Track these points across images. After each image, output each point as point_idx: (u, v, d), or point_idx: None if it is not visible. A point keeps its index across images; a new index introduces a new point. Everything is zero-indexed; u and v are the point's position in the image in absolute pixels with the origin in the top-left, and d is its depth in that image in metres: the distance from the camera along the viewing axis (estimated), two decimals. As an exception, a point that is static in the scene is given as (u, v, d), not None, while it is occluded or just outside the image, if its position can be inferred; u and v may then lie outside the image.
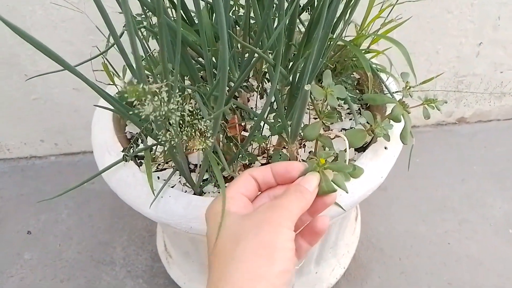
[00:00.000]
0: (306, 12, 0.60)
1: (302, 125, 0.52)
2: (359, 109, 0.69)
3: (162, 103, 0.29)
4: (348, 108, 0.67)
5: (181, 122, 0.34)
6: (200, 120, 0.34)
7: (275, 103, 0.60)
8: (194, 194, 0.56)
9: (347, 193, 0.45)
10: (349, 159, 0.53)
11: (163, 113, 0.29)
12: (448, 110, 1.23)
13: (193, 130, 0.34)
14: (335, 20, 0.45)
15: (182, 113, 0.33)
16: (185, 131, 0.34)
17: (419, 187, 1.09)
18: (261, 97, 0.70)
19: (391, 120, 0.53)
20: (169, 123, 0.30)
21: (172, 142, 0.33)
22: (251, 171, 0.40)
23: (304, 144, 0.62)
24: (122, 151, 0.57)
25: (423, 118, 0.56)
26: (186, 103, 0.35)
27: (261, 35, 0.48)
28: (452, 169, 1.14)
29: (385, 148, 0.57)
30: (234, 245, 0.33)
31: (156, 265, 0.92)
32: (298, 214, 0.36)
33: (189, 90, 0.49)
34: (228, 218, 0.35)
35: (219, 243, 0.34)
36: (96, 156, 0.59)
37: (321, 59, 0.47)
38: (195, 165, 0.61)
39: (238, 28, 0.63)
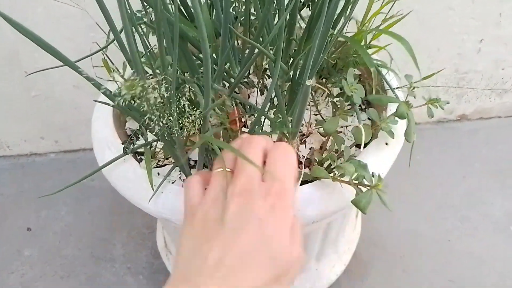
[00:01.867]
0: (306, 7, 0.59)
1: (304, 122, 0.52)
2: (359, 105, 0.69)
3: (156, 94, 0.29)
4: (349, 104, 0.67)
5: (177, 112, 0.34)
6: (192, 110, 0.35)
7: (275, 99, 0.59)
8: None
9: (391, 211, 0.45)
10: (349, 155, 0.53)
11: (157, 104, 0.29)
12: (449, 107, 1.23)
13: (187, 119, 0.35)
14: (335, 15, 0.45)
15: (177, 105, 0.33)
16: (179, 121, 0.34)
17: (420, 185, 1.09)
18: (262, 93, 0.69)
19: (395, 117, 0.53)
20: (167, 113, 0.31)
21: (170, 132, 0.33)
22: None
23: (304, 140, 0.62)
24: (122, 144, 0.57)
25: (424, 115, 0.56)
26: (183, 95, 0.35)
27: (261, 30, 0.48)
28: (453, 166, 1.13)
29: (386, 144, 0.57)
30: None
31: (157, 261, 0.92)
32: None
33: (186, 83, 0.49)
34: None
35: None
36: (96, 152, 0.59)
37: (321, 55, 0.47)
38: (195, 161, 0.61)
39: (239, 24, 0.63)
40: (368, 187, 0.46)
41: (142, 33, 0.56)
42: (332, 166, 0.54)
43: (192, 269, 0.31)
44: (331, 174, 0.50)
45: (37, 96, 1.06)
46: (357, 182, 0.47)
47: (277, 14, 0.50)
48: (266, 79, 0.67)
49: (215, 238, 0.32)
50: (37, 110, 1.09)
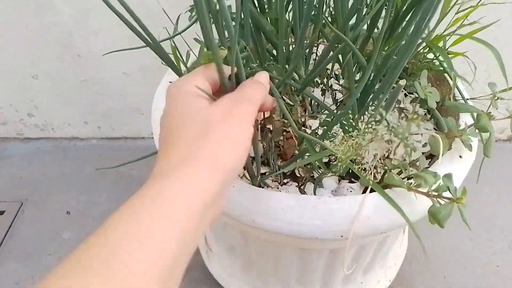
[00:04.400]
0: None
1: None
2: (425, 114, 0.66)
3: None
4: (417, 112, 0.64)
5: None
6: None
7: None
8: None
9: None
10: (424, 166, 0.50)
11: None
12: (499, 127, 1.18)
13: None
14: (430, 13, 0.42)
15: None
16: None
17: (467, 202, 1.04)
18: (323, 94, 0.67)
19: (476, 129, 0.50)
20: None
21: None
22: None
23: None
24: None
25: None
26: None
27: (346, 24, 0.46)
28: (505, 186, 1.08)
29: (460, 157, 0.54)
30: (202, 132, 0.32)
31: (194, 258, 0.91)
32: (258, 106, 0.36)
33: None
34: (200, 100, 0.34)
35: (185, 123, 0.33)
36: (156, 141, 0.58)
37: (410, 54, 0.44)
38: (253, 158, 0.59)
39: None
40: (449, 200, 0.43)
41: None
42: (403, 176, 0.51)
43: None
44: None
45: (85, 81, 1.06)
46: (436, 194, 0.44)
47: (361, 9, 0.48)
48: (329, 80, 0.64)
49: None
50: (84, 95, 1.10)
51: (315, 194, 0.53)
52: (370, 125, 0.45)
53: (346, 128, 0.50)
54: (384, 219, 0.48)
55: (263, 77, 0.39)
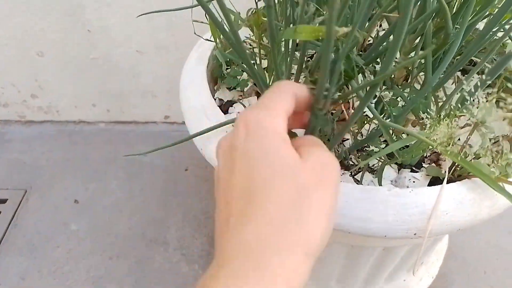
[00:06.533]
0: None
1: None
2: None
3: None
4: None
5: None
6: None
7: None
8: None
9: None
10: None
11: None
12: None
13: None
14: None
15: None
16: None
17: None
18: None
19: None
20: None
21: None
22: (294, 88, 0.29)
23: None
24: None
25: None
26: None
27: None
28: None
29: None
30: (296, 203, 0.24)
31: (213, 250, 0.84)
32: None
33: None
34: (287, 148, 0.26)
35: (274, 183, 0.24)
36: (189, 121, 0.50)
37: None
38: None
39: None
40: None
41: None
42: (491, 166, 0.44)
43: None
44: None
45: (95, 59, 0.98)
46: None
47: None
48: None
49: None
50: (93, 75, 1.01)
51: (380, 183, 0.46)
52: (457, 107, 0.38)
53: (423, 111, 0.43)
54: (465, 214, 0.41)
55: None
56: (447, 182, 0.41)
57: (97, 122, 1.13)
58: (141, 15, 0.47)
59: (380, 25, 0.66)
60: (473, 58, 0.54)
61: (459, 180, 0.43)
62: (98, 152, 1.06)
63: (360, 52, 0.57)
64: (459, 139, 0.50)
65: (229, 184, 0.26)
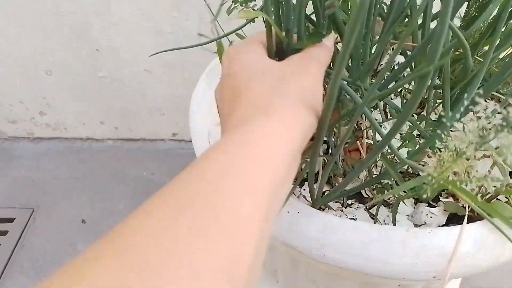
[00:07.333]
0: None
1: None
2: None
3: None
4: None
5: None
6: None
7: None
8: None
9: None
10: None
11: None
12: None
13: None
14: None
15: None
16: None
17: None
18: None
19: None
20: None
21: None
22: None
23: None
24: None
25: None
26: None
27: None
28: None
29: None
30: (276, 84, 0.29)
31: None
32: (325, 67, 0.33)
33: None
34: (266, 58, 0.32)
35: (256, 78, 0.29)
36: (197, 146, 0.49)
37: None
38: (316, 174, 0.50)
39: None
40: None
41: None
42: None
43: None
44: None
45: (104, 78, 0.97)
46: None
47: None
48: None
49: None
50: (101, 93, 1.01)
51: (394, 222, 0.44)
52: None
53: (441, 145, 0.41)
54: (486, 256, 0.39)
55: (330, 40, 0.35)
56: (467, 220, 0.40)
57: (105, 139, 1.13)
58: (154, 54, 0.46)
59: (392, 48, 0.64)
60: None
61: (479, 216, 0.41)
62: (105, 170, 1.05)
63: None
64: (477, 171, 0.48)
65: (222, 98, 0.30)
